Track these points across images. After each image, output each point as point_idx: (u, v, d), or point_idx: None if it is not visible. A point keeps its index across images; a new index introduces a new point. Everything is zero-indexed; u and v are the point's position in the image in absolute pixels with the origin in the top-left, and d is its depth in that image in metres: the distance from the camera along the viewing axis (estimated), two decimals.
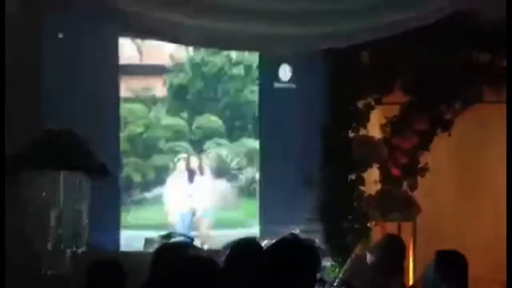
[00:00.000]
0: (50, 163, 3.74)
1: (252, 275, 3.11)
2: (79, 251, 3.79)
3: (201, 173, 9.34)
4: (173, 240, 5.58)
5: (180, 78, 9.90)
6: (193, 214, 9.13)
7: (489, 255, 6.86)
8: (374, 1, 4.72)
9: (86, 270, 3.82)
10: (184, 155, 9.41)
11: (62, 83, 6.89)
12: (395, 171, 6.86)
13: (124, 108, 9.22)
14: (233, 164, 10.10)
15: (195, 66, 10.01)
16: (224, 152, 10.08)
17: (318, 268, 3.07)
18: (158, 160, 9.55)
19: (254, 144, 9.95)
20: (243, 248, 3.65)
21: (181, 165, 9.24)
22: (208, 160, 9.69)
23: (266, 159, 9.49)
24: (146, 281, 3.76)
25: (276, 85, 9.52)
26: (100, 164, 3.87)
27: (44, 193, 3.71)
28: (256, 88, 9.98)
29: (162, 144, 9.65)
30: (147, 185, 9.39)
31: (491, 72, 6.52)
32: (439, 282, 3.73)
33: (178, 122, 9.72)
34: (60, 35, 7.12)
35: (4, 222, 3.90)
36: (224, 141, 10.10)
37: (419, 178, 6.89)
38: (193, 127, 9.90)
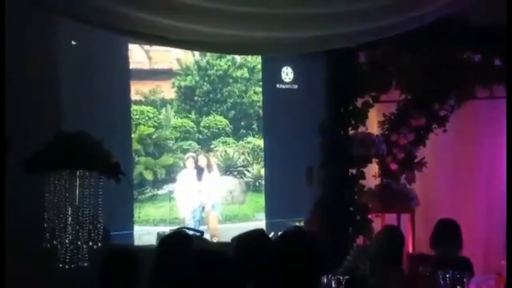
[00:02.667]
0: (67, 164, 3.76)
1: (260, 264, 3.14)
2: (95, 246, 3.81)
3: (209, 170, 9.36)
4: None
5: (187, 81, 9.90)
6: (203, 209, 9.15)
7: (481, 243, 6.93)
8: (370, 5, 4.73)
9: (102, 264, 3.85)
10: (193, 154, 9.43)
11: (76, 88, 6.94)
12: (393, 166, 6.87)
13: (135, 110, 9.26)
14: (239, 161, 10.10)
15: (201, 69, 10.02)
16: (230, 150, 10.08)
17: (320, 258, 3.10)
18: (168, 158, 9.55)
19: (259, 142, 9.98)
20: (252, 239, 3.67)
21: (190, 163, 9.26)
22: (215, 158, 9.71)
23: (271, 156, 9.55)
24: (156, 267, 3.80)
25: (279, 86, 9.61)
26: (113, 163, 3.88)
27: (62, 192, 3.72)
28: (260, 89, 10.02)
29: (171, 144, 9.65)
30: (158, 183, 9.39)
31: (483, 70, 6.53)
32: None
33: (187, 122, 9.73)
34: (74, 42, 7.17)
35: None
36: (230, 139, 10.10)
37: (416, 172, 6.90)
38: (201, 127, 9.90)
